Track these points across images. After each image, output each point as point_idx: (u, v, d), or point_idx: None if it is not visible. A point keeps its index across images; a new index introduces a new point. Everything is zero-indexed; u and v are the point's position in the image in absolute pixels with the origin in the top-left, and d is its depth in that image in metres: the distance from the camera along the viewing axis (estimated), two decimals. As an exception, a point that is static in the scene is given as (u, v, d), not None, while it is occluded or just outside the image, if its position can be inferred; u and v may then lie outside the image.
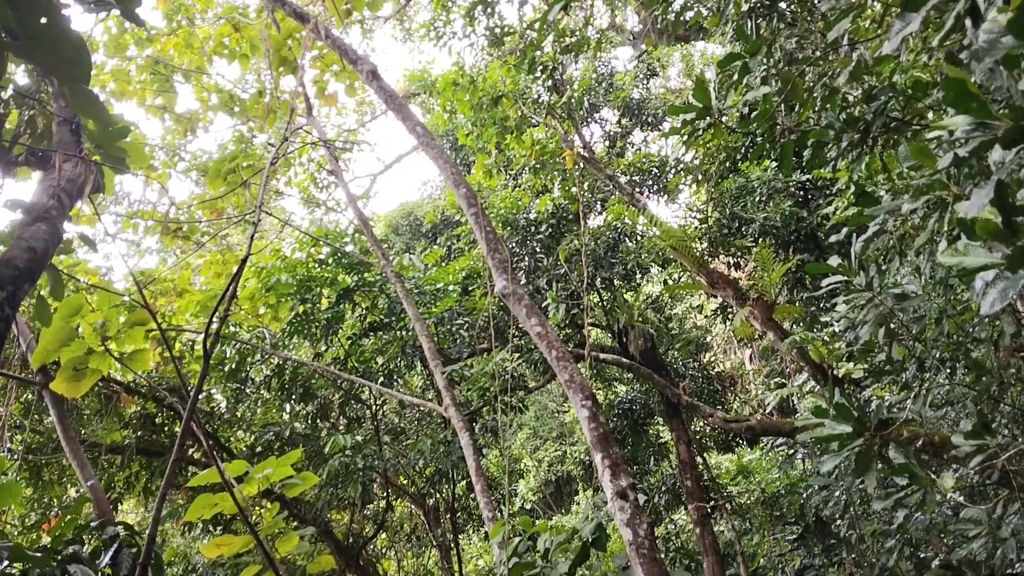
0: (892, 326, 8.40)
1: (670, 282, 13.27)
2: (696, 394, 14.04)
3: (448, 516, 12.09)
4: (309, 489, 10.75)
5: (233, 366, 10.87)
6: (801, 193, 14.45)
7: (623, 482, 4.92)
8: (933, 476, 6.50)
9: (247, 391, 11.55)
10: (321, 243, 10.14)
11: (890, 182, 8.54)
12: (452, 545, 13.80)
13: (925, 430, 8.84)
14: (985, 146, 3.86)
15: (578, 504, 24.94)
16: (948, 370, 8.06)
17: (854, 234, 7.95)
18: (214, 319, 4.80)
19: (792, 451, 11.75)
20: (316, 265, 10.49)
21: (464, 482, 17.38)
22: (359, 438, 9.55)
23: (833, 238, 9.11)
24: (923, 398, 7.38)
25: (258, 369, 11.43)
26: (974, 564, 9.78)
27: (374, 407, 10.88)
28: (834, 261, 8.48)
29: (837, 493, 10.49)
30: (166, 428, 10.60)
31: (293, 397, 11.11)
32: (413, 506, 15.15)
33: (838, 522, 12.56)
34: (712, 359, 17.53)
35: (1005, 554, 7.90)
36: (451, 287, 11.46)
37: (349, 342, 10.77)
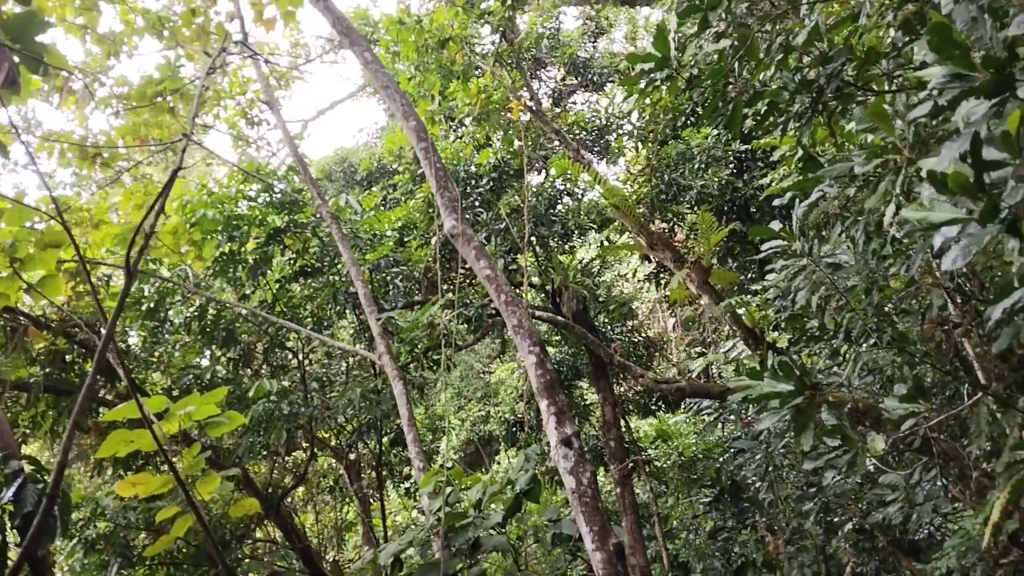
0: (825, 292, 8.52)
1: (607, 244, 13.22)
2: (625, 357, 14.12)
3: (374, 468, 11.86)
4: (228, 436, 10.35)
5: (152, 305, 10.30)
6: (738, 163, 14.59)
7: (568, 430, 4.79)
8: (863, 439, 6.62)
9: (165, 334, 10.99)
10: (251, 178, 9.61)
11: (836, 150, 8.60)
12: (377, 498, 13.60)
13: (851, 396, 9.06)
14: (961, 97, 3.80)
15: (499, 464, 25.05)
16: (874, 340, 8.20)
17: (796, 199, 7.97)
18: (138, 236, 4.42)
19: (718, 414, 11.95)
20: (245, 202, 9.96)
21: (387, 438, 17.18)
22: (285, 383, 9.20)
23: (777, 201, 9.12)
24: (852, 365, 7.50)
25: (178, 310, 10.87)
26: (886, 528, 10.18)
27: (300, 355, 10.49)
28: (775, 227, 8.48)
29: (759, 456, 10.73)
30: (76, 366, 9.99)
31: (215, 342, 10.62)
32: (335, 460, 14.87)
33: (756, 484, 12.91)
34: (638, 325, 17.71)
35: (920, 518, 8.21)
36: (388, 232, 11.10)
37: (277, 286, 10.33)
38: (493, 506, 6.53)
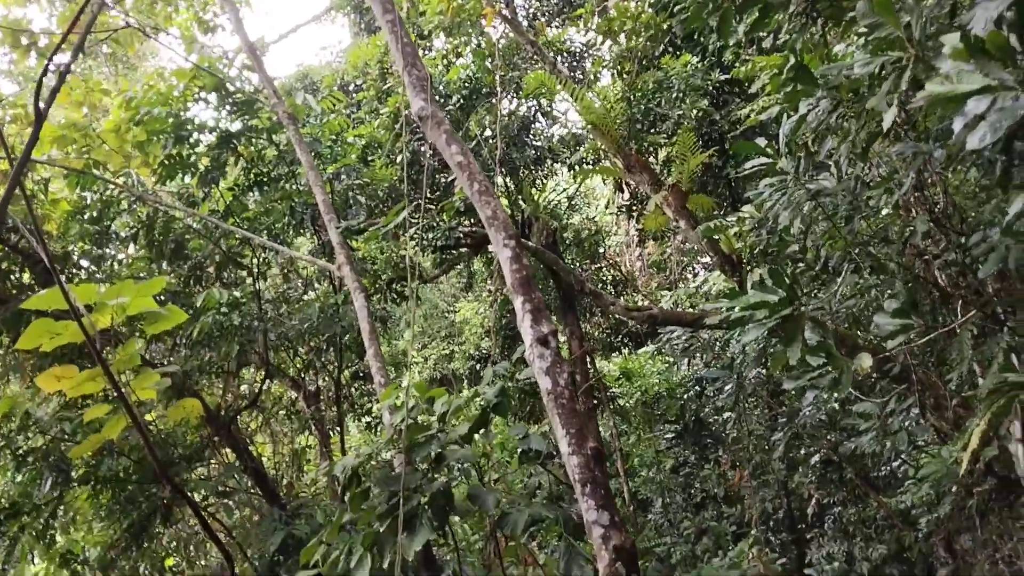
0: (808, 215, 8.17)
1: (581, 167, 12.72)
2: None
3: (334, 391, 11.41)
4: (175, 352, 9.81)
5: (95, 214, 9.59)
6: (716, 94, 14.13)
7: (544, 328, 4.37)
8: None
9: (109, 247, 10.28)
10: (202, 72, 8.85)
11: (825, 62, 8.16)
12: (338, 431, 13.19)
13: (831, 323, 8.81)
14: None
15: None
16: (854, 267, 7.89)
17: (784, 115, 7.54)
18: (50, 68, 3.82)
19: (688, 344, 11.70)
20: (195, 102, 9.21)
21: (349, 371, 16.72)
22: (237, 294, 8.63)
23: (763, 116, 8.63)
24: (833, 289, 7.15)
25: (123, 222, 10.17)
26: (854, 460, 10.08)
27: (255, 271, 9.89)
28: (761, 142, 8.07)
29: (729, 386, 10.52)
30: (13, 275, 9.23)
31: (163, 256, 9.96)
32: (293, 390, 14.40)
33: (721, 419, 12.78)
34: (607, 263, 17.37)
35: (895, 445, 8.05)
36: (352, 140, 10.43)
37: (231, 196, 9.67)
38: (457, 421, 6.15)
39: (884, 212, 7.98)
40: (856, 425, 9.34)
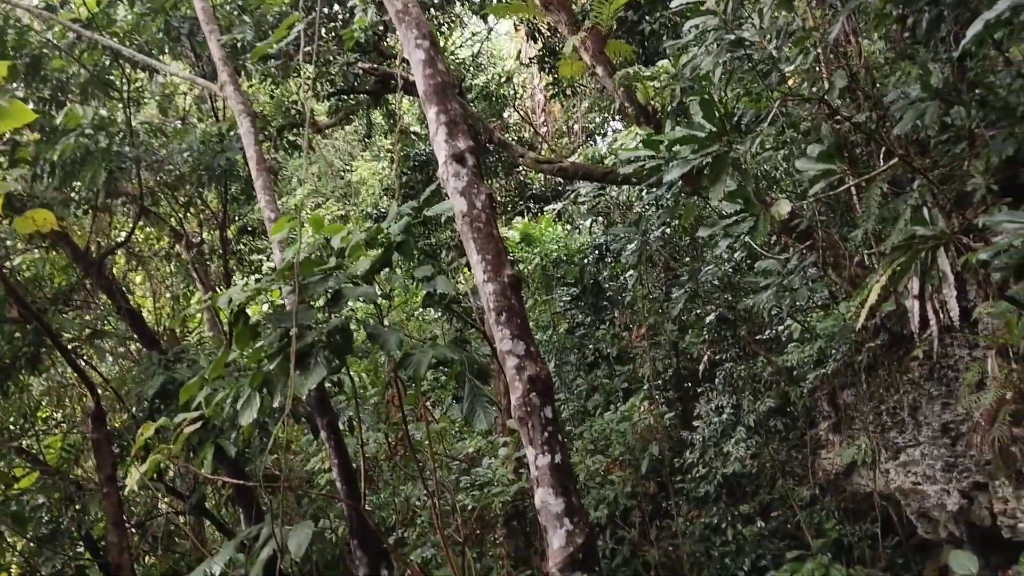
0: (730, 63, 7.84)
1: (493, 5, 11.82)
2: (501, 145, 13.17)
3: (220, 245, 10.60)
4: (34, 180, 8.73)
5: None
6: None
7: (461, 144, 3.88)
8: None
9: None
10: None
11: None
12: (224, 281, 12.42)
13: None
14: None
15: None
16: (768, 122, 7.63)
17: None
18: None
19: (597, 201, 11.46)
20: None
21: (235, 225, 15.72)
22: (104, 112, 7.62)
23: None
24: (750, 141, 6.89)
25: (-34, 33, 8.73)
26: (747, 319, 10.31)
27: (126, 94, 8.76)
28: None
29: (632, 246, 10.41)
30: None
31: (17, 74, 8.66)
32: (172, 239, 13.40)
33: (619, 280, 12.83)
34: (520, 115, 16.76)
35: (794, 300, 8.18)
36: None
37: (95, 4, 8.38)
38: (358, 258, 5.67)
39: (802, 68, 7.75)
40: (754, 283, 9.49)
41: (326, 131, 20.07)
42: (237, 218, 15.27)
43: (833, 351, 8.47)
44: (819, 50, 7.47)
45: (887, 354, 7.49)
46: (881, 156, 6.97)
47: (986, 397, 6.19)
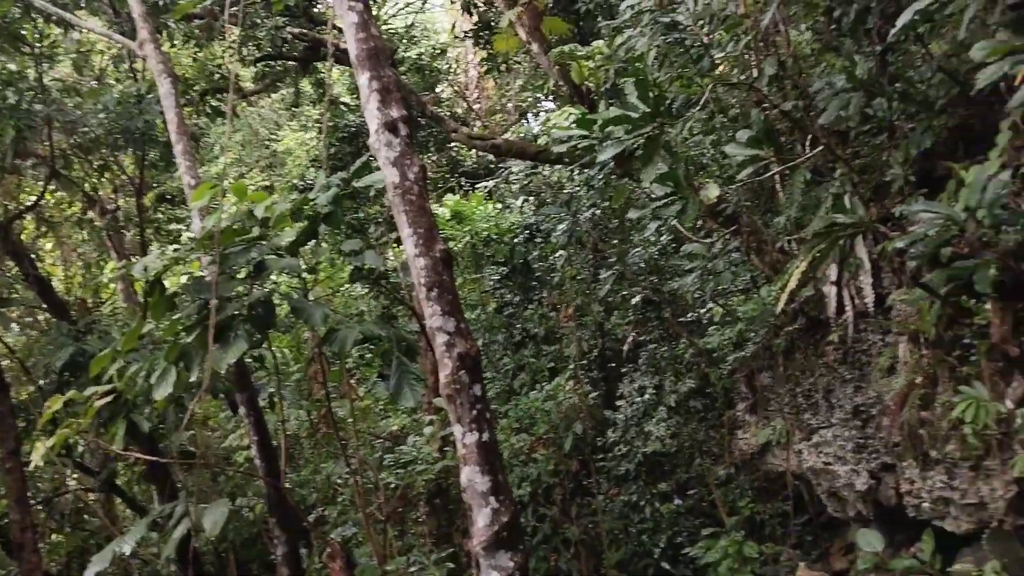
0: (665, 45, 7.91)
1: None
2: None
3: (135, 198, 10.13)
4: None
5: None
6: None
7: (394, 112, 3.77)
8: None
9: None
10: None
11: None
12: (141, 250, 11.90)
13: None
14: None
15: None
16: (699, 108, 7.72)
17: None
18: None
19: (528, 181, 11.44)
20: None
21: (152, 192, 15.06)
22: (13, 67, 7.13)
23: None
24: (681, 124, 6.95)
25: None
26: (671, 301, 10.50)
27: (38, 49, 8.21)
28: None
29: (562, 226, 10.45)
30: None
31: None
32: (86, 204, 12.75)
33: (548, 261, 12.88)
34: (453, 90, 16.56)
35: (718, 284, 8.35)
36: None
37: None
38: (284, 227, 5.49)
39: (733, 54, 7.86)
40: (679, 267, 9.66)
41: (251, 98, 19.40)
42: (155, 185, 14.65)
43: (752, 334, 8.70)
44: (750, 37, 7.59)
45: (804, 338, 7.73)
46: (807, 144, 7.13)
47: (897, 381, 6.45)
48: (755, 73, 7.75)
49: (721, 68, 8.30)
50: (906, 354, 6.48)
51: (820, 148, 6.40)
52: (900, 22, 3.90)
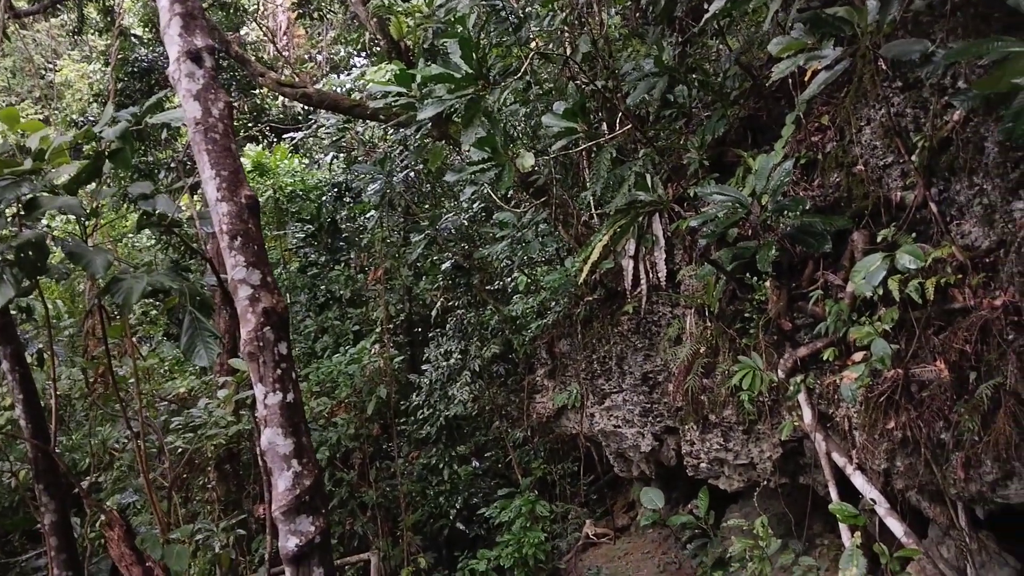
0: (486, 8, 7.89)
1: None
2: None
3: None
4: None
5: None
6: None
7: (198, 41, 3.46)
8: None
9: None
10: None
11: None
12: None
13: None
14: None
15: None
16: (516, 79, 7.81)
17: None
18: None
19: (339, 136, 11.04)
20: None
21: None
22: None
23: None
24: (499, 92, 6.99)
25: None
26: (482, 269, 10.64)
27: None
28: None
29: (374, 186, 10.22)
30: None
31: None
32: None
33: (361, 219, 12.58)
34: (263, 34, 15.55)
35: (526, 253, 8.55)
36: None
37: None
38: (60, 162, 4.89)
39: (549, 28, 7.98)
40: (489, 234, 9.80)
41: (25, 19, 17.15)
42: None
43: (555, 303, 9.03)
44: (565, 14, 7.77)
45: (602, 308, 8.13)
46: (616, 124, 7.43)
47: (682, 351, 6.97)
48: (569, 50, 7.95)
49: (536, 42, 8.44)
50: (692, 325, 7.00)
51: (627, 128, 6.69)
52: (714, 7, 4.13)
